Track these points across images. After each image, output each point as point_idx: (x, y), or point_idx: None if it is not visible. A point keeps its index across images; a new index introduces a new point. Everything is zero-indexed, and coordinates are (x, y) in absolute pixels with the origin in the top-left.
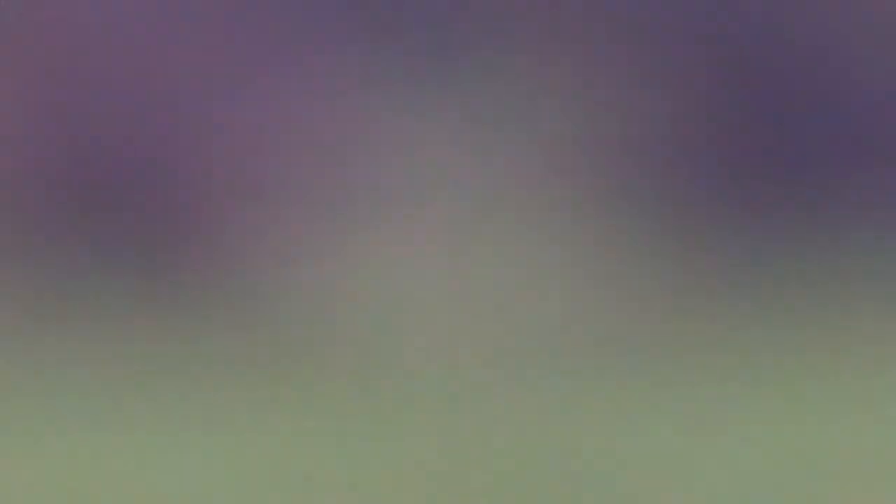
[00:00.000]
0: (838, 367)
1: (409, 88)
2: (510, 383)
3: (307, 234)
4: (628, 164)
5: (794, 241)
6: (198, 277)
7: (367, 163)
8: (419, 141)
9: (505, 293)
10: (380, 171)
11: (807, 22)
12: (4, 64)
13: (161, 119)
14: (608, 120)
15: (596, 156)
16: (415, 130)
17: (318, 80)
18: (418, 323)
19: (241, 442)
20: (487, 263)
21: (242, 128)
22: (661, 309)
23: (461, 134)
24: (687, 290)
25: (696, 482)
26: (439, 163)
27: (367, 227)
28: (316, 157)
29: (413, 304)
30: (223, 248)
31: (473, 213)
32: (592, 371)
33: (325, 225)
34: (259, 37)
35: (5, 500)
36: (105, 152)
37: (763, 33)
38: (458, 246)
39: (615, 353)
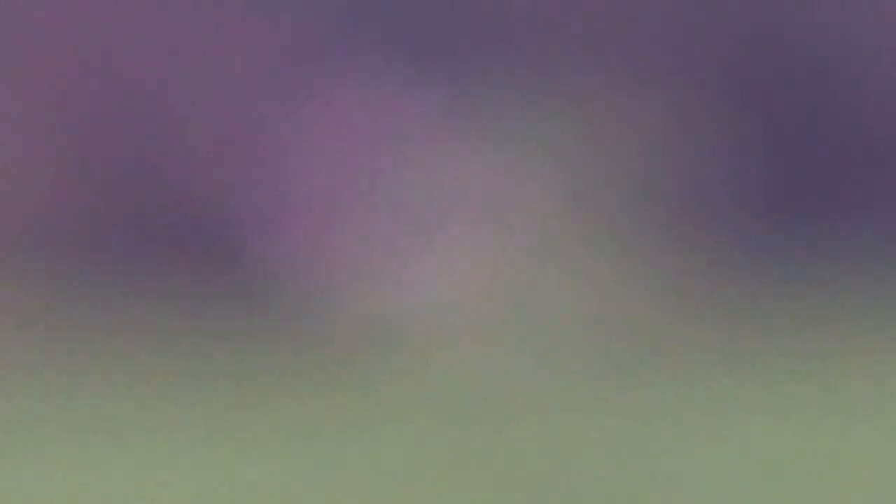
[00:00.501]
0: (842, 371)
1: (418, 93)
2: (513, 383)
3: (324, 241)
4: (632, 166)
5: (796, 244)
6: (212, 280)
7: (383, 171)
8: (429, 145)
9: (509, 294)
10: (394, 178)
11: (812, 22)
12: (37, 68)
13: (177, 125)
14: (614, 124)
15: (602, 158)
16: (424, 135)
17: (338, 88)
18: (423, 324)
19: (247, 445)
20: (493, 265)
21: (253, 135)
22: (664, 311)
23: (469, 138)
24: (689, 293)
25: (696, 483)
26: (448, 168)
27: (385, 234)
28: (332, 164)
29: (418, 307)
30: (240, 250)
31: (484, 217)
32: (595, 372)
33: (342, 232)
34: (270, 46)
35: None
36: (128, 161)
37: (767, 34)
38: (465, 249)
39: (617, 354)
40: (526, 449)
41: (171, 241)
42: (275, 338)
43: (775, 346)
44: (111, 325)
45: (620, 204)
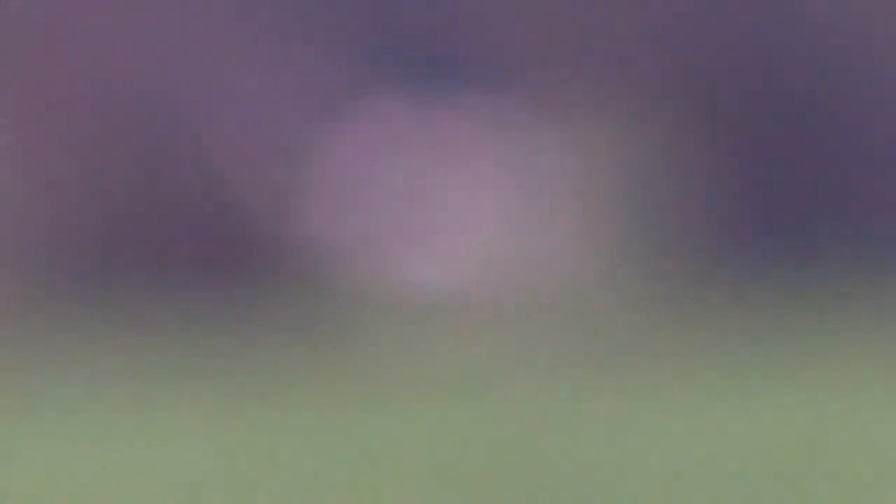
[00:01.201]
0: (840, 371)
1: (420, 94)
2: (513, 382)
3: (328, 237)
4: (630, 166)
5: (796, 245)
6: (213, 274)
7: (384, 171)
8: (430, 147)
9: (509, 293)
10: (396, 181)
11: (812, 23)
12: (50, 65)
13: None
14: (610, 125)
15: (598, 161)
16: (428, 136)
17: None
18: (423, 321)
19: (247, 438)
20: (491, 264)
21: (247, 131)
22: (664, 310)
23: (462, 139)
24: (688, 293)
25: (695, 483)
26: (441, 166)
27: (384, 232)
28: (336, 165)
29: (414, 302)
30: (235, 242)
31: (482, 215)
32: (595, 371)
33: (344, 230)
34: (263, 45)
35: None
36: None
37: (766, 35)
38: (464, 247)
39: (617, 352)
40: (521, 439)
41: (175, 233)
42: (277, 328)
43: (770, 341)
44: (115, 316)
45: (619, 202)
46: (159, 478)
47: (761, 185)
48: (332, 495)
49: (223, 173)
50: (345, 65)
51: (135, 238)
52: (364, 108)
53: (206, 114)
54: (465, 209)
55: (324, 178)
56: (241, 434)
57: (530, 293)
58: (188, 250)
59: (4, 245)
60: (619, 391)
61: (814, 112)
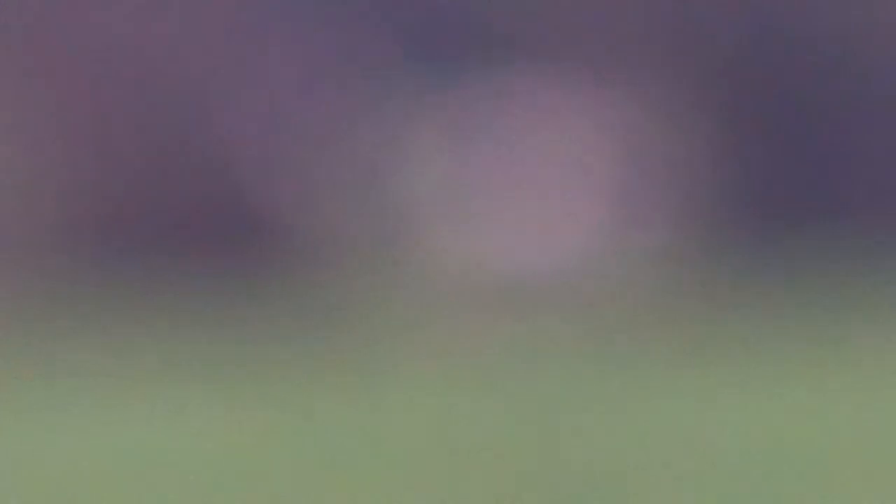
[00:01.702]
0: (844, 370)
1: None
2: (517, 376)
3: (321, 231)
4: (634, 165)
5: (798, 242)
6: (213, 269)
7: (385, 166)
8: (424, 143)
9: (511, 290)
10: (389, 169)
11: (816, 24)
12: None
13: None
14: (616, 123)
15: (602, 158)
16: (420, 134)
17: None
18: (425, 318)
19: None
20: (496, 262)
21: (249, 127)
22: (668, 307)
23: (464, 138)
24: (693, 290)
25: (698, 478)
26: (442, 166)
27: (392, 225)
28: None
29: (417, 299)
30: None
31: (484, 211)
32: (598, 367)
33: (335, 222)
34: (295, 47)
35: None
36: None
37: (770, 35)
38: (463, 245)
39: (619, 349)
40: (526, 440)
41: (189, 221)
42: (292, 316)
43: (777, 345)
44: (117, 306)
45: (624, 204)
46: (159, 468)
47: (764, 184)
48: (344, 481)
49: (249, 158)
50: (377, 43)
51: (143, 225)
52: (396, 90)
53: (225, 97)
54: (488, 195)
55: (352, 162)
56: (250, 422)
57: (545, 281)
58: (206, 237)
59: (6, 237)
60: (625, 384)
61: (816, 110)
